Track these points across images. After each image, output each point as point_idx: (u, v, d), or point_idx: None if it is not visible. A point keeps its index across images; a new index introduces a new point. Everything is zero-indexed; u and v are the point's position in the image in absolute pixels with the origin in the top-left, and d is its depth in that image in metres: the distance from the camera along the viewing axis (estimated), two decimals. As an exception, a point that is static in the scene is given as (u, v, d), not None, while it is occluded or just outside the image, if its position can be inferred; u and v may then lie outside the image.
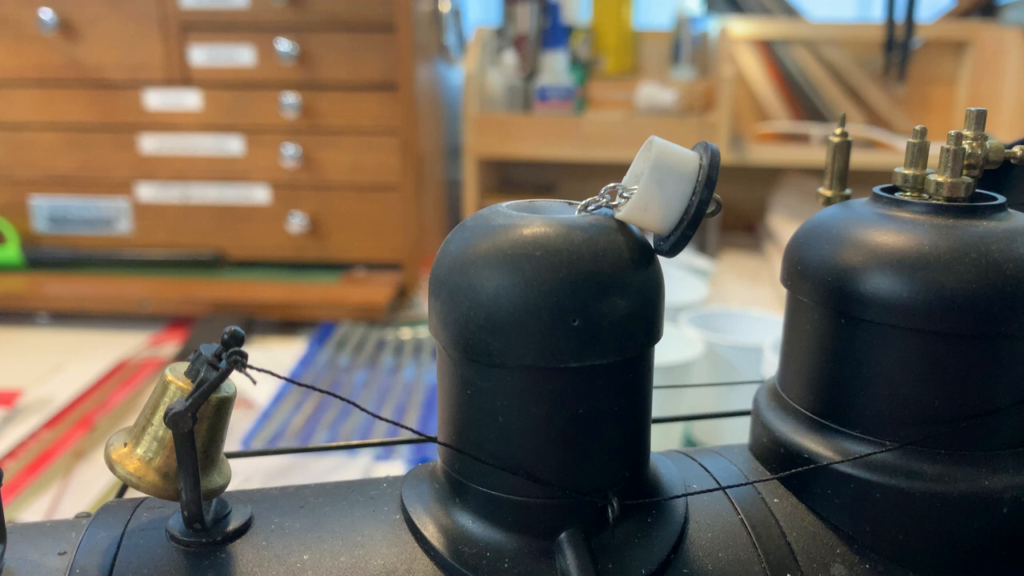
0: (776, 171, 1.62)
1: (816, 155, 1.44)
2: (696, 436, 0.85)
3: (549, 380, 0.22)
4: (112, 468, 0.23)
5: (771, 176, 1.63)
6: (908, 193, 0.26)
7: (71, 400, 0.96)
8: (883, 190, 0.27)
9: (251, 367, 0.21)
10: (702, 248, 1.55)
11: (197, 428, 0.22)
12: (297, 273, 1.32)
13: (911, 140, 0.26)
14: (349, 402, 0.20)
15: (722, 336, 0.84)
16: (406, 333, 1.17)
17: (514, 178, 1.68)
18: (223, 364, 0.21)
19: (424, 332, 1.16)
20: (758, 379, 0.78)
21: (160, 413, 0.23)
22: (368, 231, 1.30)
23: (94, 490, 0.76)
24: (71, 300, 1.23)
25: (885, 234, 0.24)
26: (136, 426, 0.23)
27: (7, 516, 0.72)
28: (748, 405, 0.71)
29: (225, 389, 0.23)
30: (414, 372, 1.03)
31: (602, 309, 0.21)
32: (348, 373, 1.03)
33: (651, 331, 0.23)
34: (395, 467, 0.78)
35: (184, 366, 0.23)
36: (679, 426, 0.82)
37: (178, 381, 0.22)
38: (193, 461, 0.22)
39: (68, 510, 0.73)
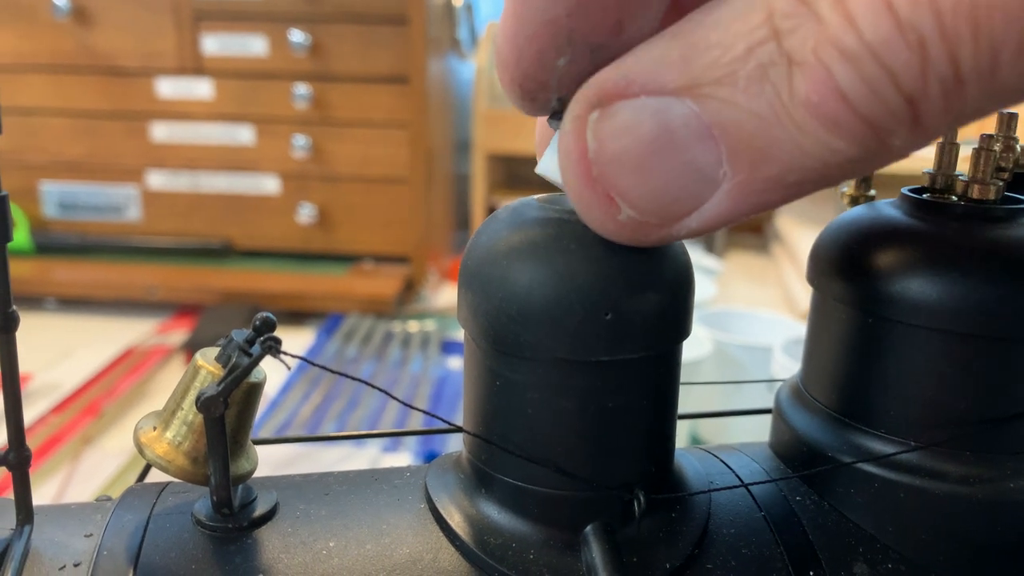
0: (785, 172, 1.62)
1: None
2: (702, 435, 0.85)
3: (579, 373, 0.22)
4: (141, 451, 0.23)
5: (780, 177, 1.63)
6: (937, 194, 0.26)
7: (79, 386, 0.96)
8: (911, 191, 0.27)
9: (285, 353, 0.21)
10: (710, 248, 1.55)
11: (227, 413, 0.22)
12: (305, 264, 1.32)
13: (940, 141, 0.26)
14: (385, 392, 0.21)
15: (731, 335, 0.84)
16: (413, 326, 1.17)
17: (522, 174, 1.68)
18: (255, 349, 0.22)
19: (431, 325, 1.16)
20: (768, 378, 0.78)
21: (190, 397, 0.23)
22: (376, 224, 1.31)
23: (101, 475, 0.77)
24: (79, 286, 1.23)
25: (915, 235, 0.24)
26: (165, 410, 0.23)
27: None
28: (755, 404, 0.72)
29: (255, 375, 0.23)
30: (421, 365, 1.03)
31: (634, 304, 0.21)
32: (355, 365, 1.03)
33: (681, 327, 0.23)
34: (402, 459, 0.78)
35: (215, 351, 0.23)
36: (686, 424, 0.82)
37: (209, 366, 0.22)
38: (223, 446, 0.22)
39: (76, 495, 0.73)
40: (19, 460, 0.23)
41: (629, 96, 0.16)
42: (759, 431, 0.79)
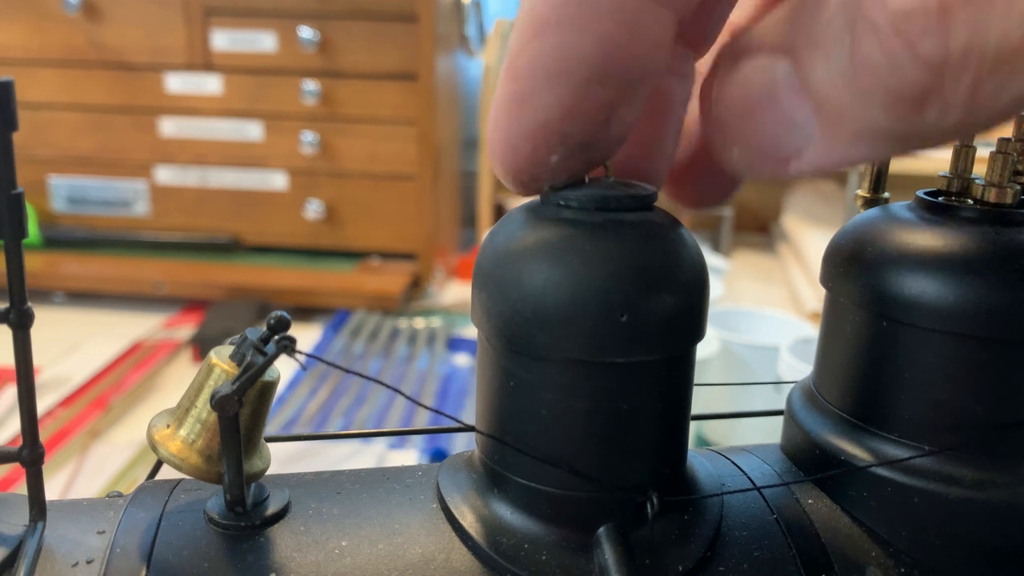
0: (793, 172, 1.61)
1: (834, 157, 1.44)
2: (708, 435, 0.85)
3: (594, 375, 0.22)
4: (154, 449, 0.23)
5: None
6: (952, 198, 0.26)
7: (87, 380, 0.96)
8: (926, 194, 0.27)
9: (300, 352, 0.21)
10: (716, 246, 1.54)
11: (241, 412, 0.22)
12: (312, 260, 1.32)
13: (956, 145, 0.26)
14: (401, 393, 0.21)
15: (737, 335, 0.83)
16: (419, 323, 1.17)
17: (530, 171, 1.68)
18: (270, 348, 0.22)
19: (437, 322, 1.16)
20: (775, 377, 0.78)
21: (204, 395, 0.23)
22: (384, 220, 1.31)
23: (110, 469, 0.77)
24: (87, 280, 1.24)
25: (930, 238, 0.24)
26: (179, 408, 0.23)
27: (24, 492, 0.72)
28: (762, 404, 0.71)
29: (269, 373, 0.23)
30: (427, 362, 1.04)
31: (650, 305, 0.21)
32: (362, 361, 1.03)
33: (696, 329, 0.23)
34: (409, 456, 0.78)
35: (229, 349, 0.23)
36: (693, 424, 0.82)
37: (223, 364, 0.22)
38: (237, 445, 0.22)
39: (85, 488, 0.73)
40: (32, 457, 0.23)
41: (751, 52, 0.18)
42: (766, 431, 0.79)
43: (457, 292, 1.35)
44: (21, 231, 0.22)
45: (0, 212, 0.21)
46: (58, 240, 1.33)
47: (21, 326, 0.22)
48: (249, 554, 0.23)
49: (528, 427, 0.23)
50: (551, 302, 0.21)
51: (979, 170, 0.26)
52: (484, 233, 1.43)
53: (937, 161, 1.32)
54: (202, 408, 0.23)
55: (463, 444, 0.80)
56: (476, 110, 1.52)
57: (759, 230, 1.68)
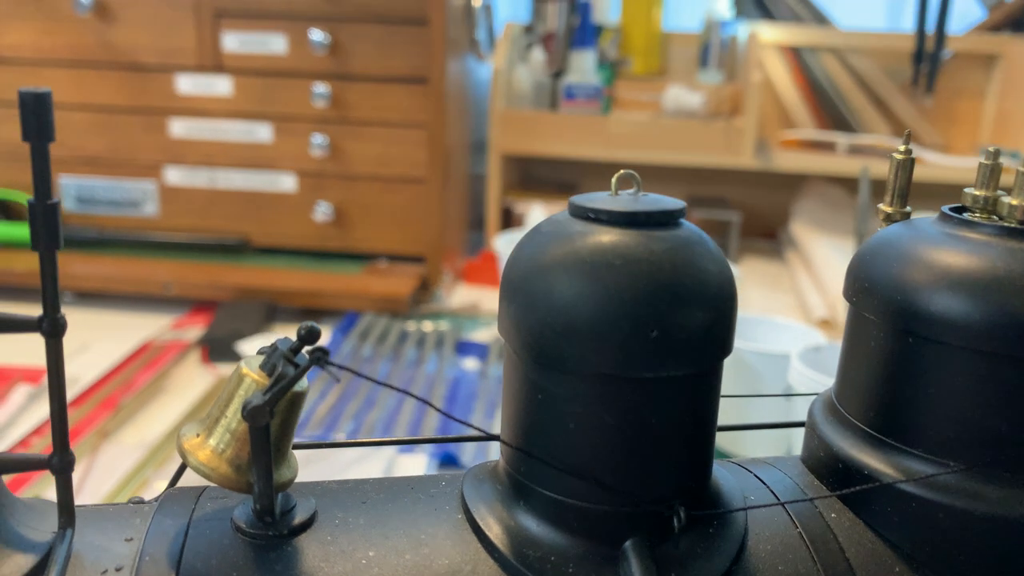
0: (800, 178, 1.61)
1: (840, 164, 1.44)
2: (717, 443, 0.85)
3: (623, 389, 0.22)
4: (184, 458, 0.23)
5: (794, 183, 1.63)
6: (978, 214, 0.26)
7: (96, 380, 0.96)
8: (951, 210, 0.27)
9: (333, 364, 0.21)
10: (724, 252, 1.54)
11: (271, 422, 0.22)
12: (320, 262, 1.32)
13: (983, 161, 0.26)
14: (434, 407, 0.21)
15: (746, 342, 0.83)
16: (428, 326, 1.17)
17: (537, 175, 1.68)
18: (300, 359, 0.22)
19: (445, 326, 1.16)
20: (784, 385, 0.78)
21: (234, 405, 0.23)
22: (392, 223, 1.31)
23: (120, 470, 0.77)
24: (96, 280, 1.24)
25: (956, 254, 0.24)
26: (209, 417, 0.23)
27: (35, 492, 0.73)
28: (771, 412, 0.70)
29: (299, 384, 0.23)
30: (436, 365, 1.04)
31: (680, 321, 0.21)
32: (371, 364, 1.04)
33: (724, 344, 0.23)
34: (418, 459, 0.78)
35: (259, 360, 0.23)
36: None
37: (254, 375, 0.23)
38: (267, 455, 0.22)
39: (95, 490, 0.74)
40: (63, 464, 0.23)
41: None
42: (772, 437, 0.78)
43: (465, 295, 1.35)
44: (55, 241, 0.22)
45: (35, 222, 0.22)
46: (67, 240, 1.33)
47: (54, 335, 0.22)
48: (277, 564, 0.23)
49: (555, 440, 0.23)
50: (581, 317, 0.21)
51: (1007, 180, 0.26)
52: (493, 237, 1.43)
53: (955, 171, 1.31)
54: (232, 418, 0.23)
55: (471, 449, 0.80)
56: (484, 113, 1.52)
57: (767, 236, 1.68)
